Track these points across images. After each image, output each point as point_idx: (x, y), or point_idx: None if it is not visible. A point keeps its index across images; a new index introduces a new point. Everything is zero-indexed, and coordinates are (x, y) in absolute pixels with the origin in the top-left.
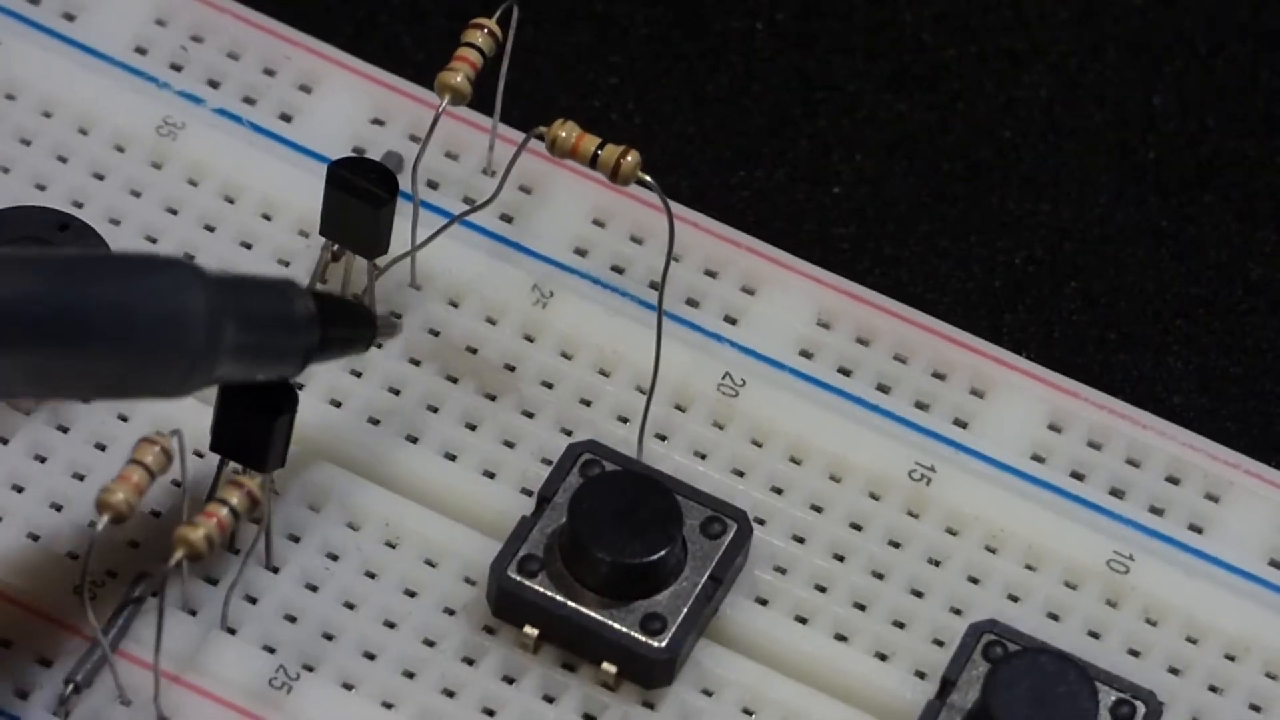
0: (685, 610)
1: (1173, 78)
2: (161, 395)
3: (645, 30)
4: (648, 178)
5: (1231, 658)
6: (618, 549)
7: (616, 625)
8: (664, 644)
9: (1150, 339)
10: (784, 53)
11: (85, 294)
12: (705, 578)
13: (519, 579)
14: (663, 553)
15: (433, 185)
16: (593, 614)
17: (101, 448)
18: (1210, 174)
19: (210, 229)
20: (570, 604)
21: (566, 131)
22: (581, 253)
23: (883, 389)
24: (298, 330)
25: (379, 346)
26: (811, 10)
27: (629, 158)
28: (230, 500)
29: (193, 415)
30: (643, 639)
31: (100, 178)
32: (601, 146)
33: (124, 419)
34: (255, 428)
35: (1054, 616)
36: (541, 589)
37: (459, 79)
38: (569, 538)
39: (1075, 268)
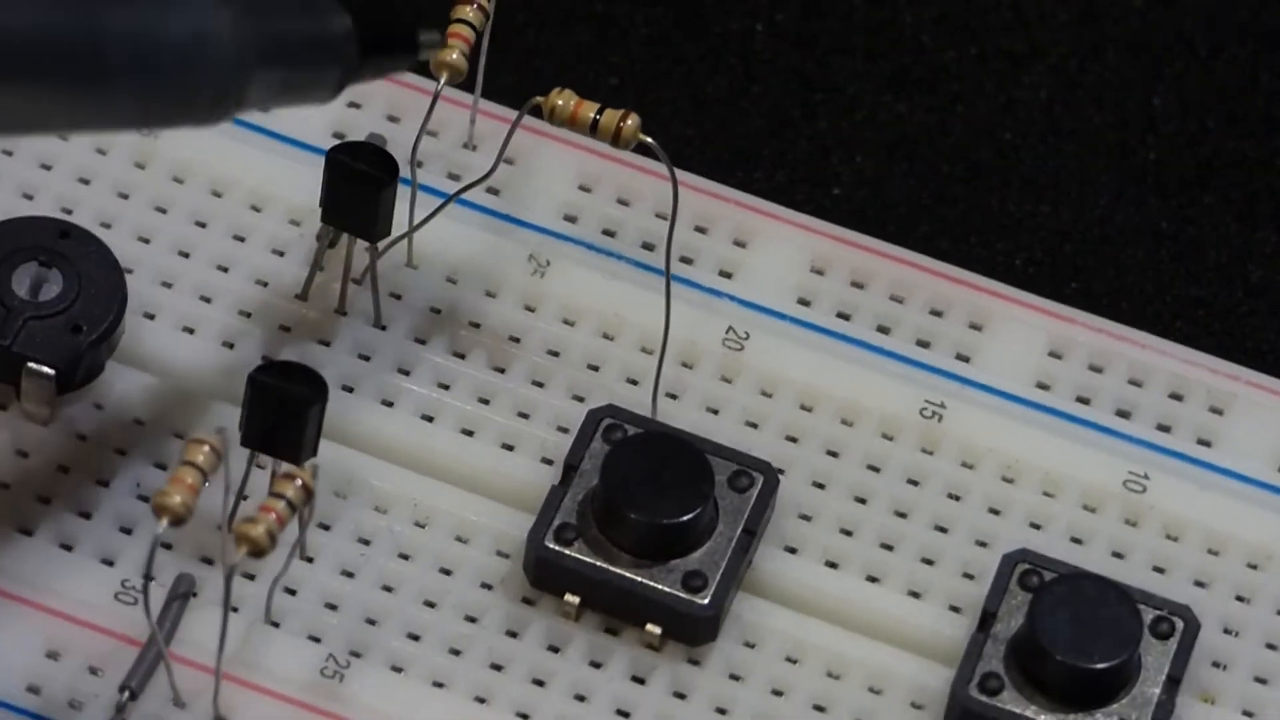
0: (724, 565)
1: (1173, 79)
2: (191, 125)
3: (645, 31)
4: (649, 139)
5: (1254, 566)
6: (654, 510)
7: (659, 586)
8: (707, 600)
9: None
10: (784, 54)
11: (101, 23)
12: (739, 531)
13: (557, 548)
14: (698, 510)
15: (416, 164)
16: (634, 576)
17: (121, 453)
18: (1210, 175)
19: (202, 225)
20: (611, 569)
21: (564, 99)
22: (571, 219)
23: (883, 330)
24: (333, 52)
25: (425, 62)
26: (811, 11)
27: (629, 121)
28: (285, 493)
29: (222, 415)
30: (686, 597)
31: (86, 182)
32: (600, 111)
33: (139, 422)
34: (287, 419)
35: (1077, 540)
36: (581, 556)
37: (454, 56)
38: (603, 503)
39: (1075, 269)
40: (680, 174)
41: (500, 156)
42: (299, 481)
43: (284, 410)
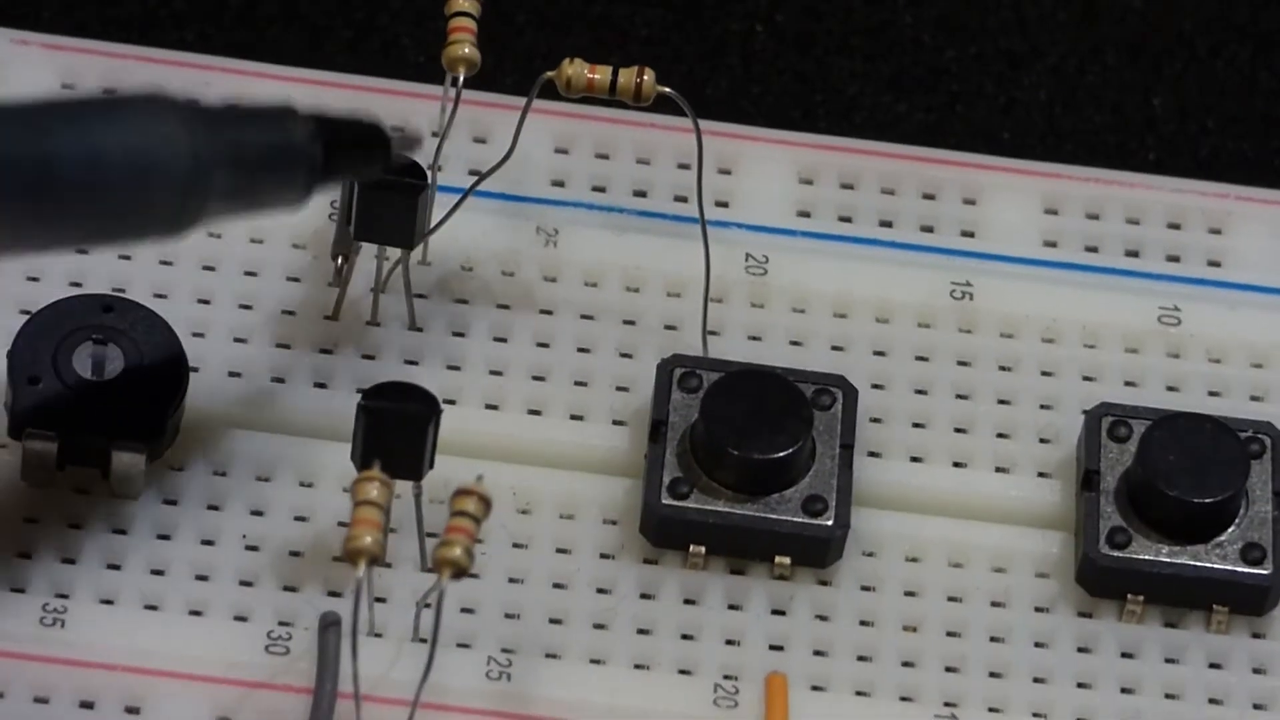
0: (836, 483)
1: (1172, 79)
2: (152, 240)
3: (645, 32)
4: (668, 89)
5: None
6: (766, 446)
7: (786, 517)
8: (832, 521)
9: None
10: (783, 55)
11: (51, 143)
12: (838, 448)
13: (676, 504)
14: (806, 437)
15: (436, 167)
16: (760, 514)
17: (216, 509)
18: (1210, 176)
19: (211, 269)
20: (737, 511)
21: (576, 69)
22: (560, 184)
23: (886, 224)
24: (297, 158)
25: (401, 163)
26: (811, 12)
27: (646, 76)
28: (467, 509)
29: (304, 450)
30: (813, 522)
31: (84, 251)
32: (615, 73)
33: (221, 474)
34: (406, 440)
35: (1132, 384)
36: (702, 506)
37: (467, 49)
38: (712, 449)
39: None
40: (652, 116)
41: (516, 138)
42: (476, 494)
43: (403, 432)
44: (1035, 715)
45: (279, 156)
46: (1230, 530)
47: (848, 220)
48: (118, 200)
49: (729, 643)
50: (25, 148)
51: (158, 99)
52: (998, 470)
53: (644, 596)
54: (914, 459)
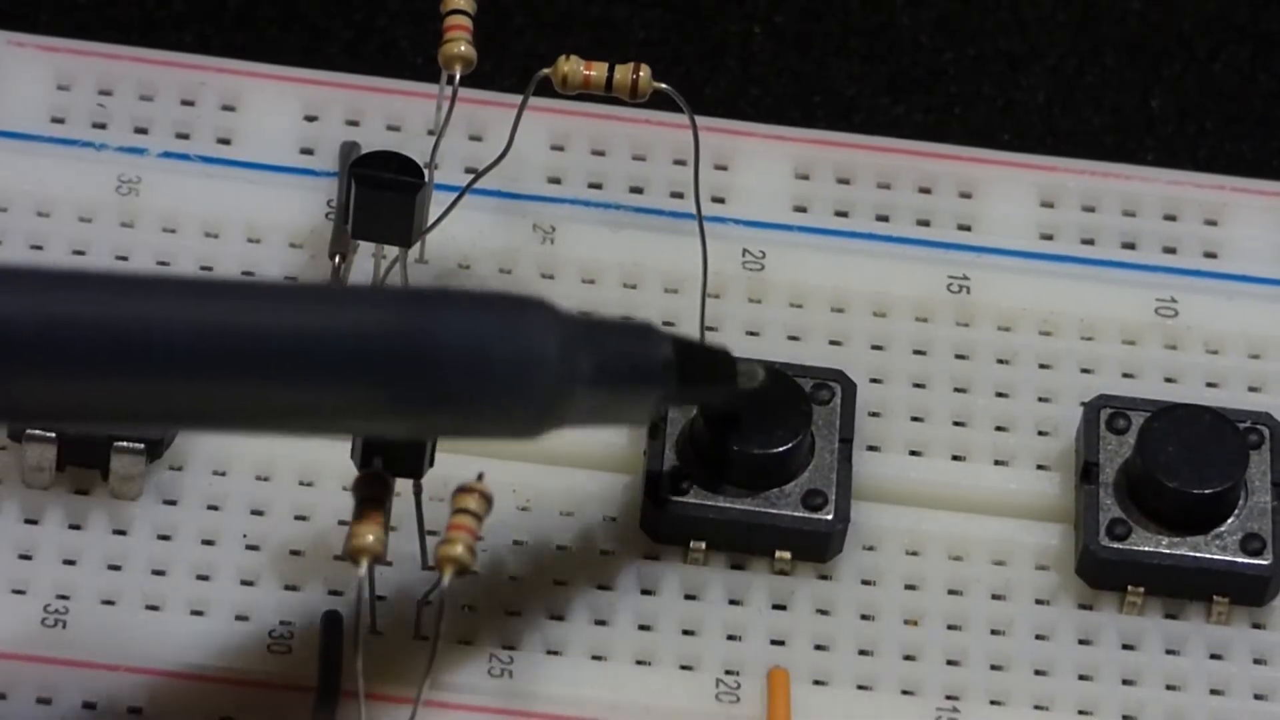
0: (835, 478)
1: (1171, 80)
2: (506, 439)
3: (643, 33)
4: (664, 85)
5: None
6: (768, 441)
7: (786, 512)
8: (832, 515)
9: None
10: (782, 56)
11: (437, 330)
12: (837, 442)
13: (678, 499)
14: (805, 432)
15: (432, 165)
16: (760, 509)
17: (215, 509)
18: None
19: (208, 269)
20: (737, 506)
21: (572, 66)
22: (556, 181)
23: (883, 219)
24: (654, 379)
25: (745, 394)
26: (809, 14)
27: (643, 72)
28: (469, 507)
29: (301, 449)
30: (813, 516)
31: (81, 253)
32: (612, 69)
33: (220, 474)
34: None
35: (1130, 375)
36: (703, 501)
37: (463, 47)
38: (712, 446)
39: None
40: (648, 112)
41: (513, 135)
42: (477, 492)
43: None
44: (1037, 707)
45: (638, 378)
46: (1230, 521)
47: (844, 215)
48: (486, 403)
49: (730, 638)
50: (414, 331)
51: (541, 303)
52: (997, 463)
53: (644, 592)
54: (913, 452)
